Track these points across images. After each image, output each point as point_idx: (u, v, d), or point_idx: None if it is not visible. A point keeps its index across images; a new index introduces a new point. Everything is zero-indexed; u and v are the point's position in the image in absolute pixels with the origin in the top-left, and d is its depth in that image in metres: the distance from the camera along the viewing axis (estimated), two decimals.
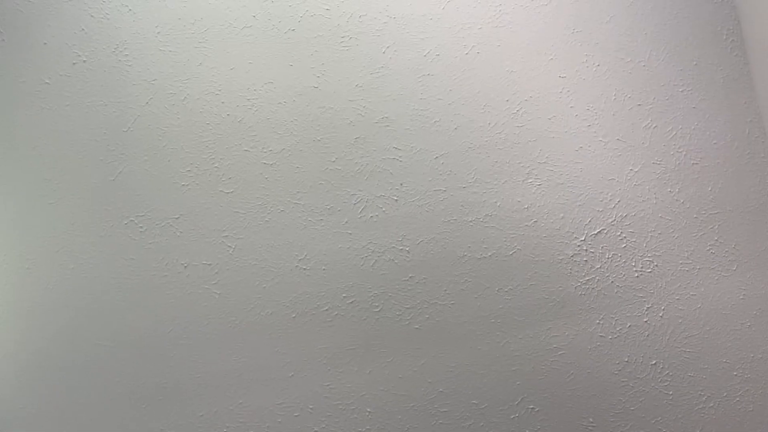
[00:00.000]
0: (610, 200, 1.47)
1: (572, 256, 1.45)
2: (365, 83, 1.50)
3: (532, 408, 1.43)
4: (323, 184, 1.47)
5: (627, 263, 1.45)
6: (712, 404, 1.41)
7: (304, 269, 1.44)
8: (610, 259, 1.45)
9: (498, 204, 1.47)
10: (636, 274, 1.45)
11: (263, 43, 1.49)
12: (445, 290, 1.45)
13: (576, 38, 1.52)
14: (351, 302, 1.44)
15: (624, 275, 1.45)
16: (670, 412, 1.41)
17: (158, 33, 1.46)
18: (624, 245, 1.46)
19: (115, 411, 1.37)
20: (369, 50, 1.51)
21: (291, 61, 1.49)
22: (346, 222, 1.46)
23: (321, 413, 1.41)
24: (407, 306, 1.45)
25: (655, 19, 1.52)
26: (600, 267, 1.45)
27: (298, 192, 1.46)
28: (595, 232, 1.46)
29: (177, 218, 1.43)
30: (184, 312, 1.40)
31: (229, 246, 1.43)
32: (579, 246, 1.46)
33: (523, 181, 1.48)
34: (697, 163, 1.48)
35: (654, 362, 1.42)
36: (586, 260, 1.45)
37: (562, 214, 1.47)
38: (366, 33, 1.51)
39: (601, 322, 1.44)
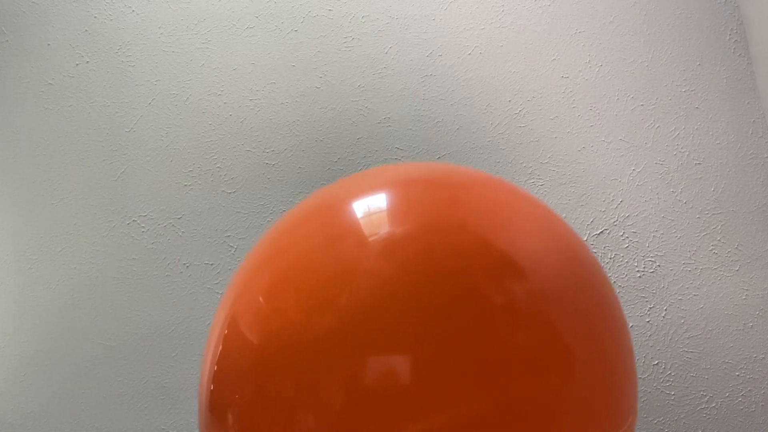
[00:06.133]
0: (613, 200, 1.47)
1: None
2: (367, 84, 1.50)
3: None
4: (325, 185, 1.47)
5: (629, 263, 1.45)
6: (714, 404, 1.40)
7: None
8: (612, 259, 1.45)
9: None
10: (638, 275, 1.44)
11: (266, 43, 1.49)
12: None
13: (579, 39, 1.51)
14: None
15: (626, 275, 1.44)
16: (672, 412, 1.40)
17: (161, 34, 1.47)
18: (626, 245, 1.45)
19: (115, 411, 1.38)
20: (371, 51, 1.51)
21: (293, 61, 1.49)
22: None
23: None
24: None
25: (659, 20, 1.52)
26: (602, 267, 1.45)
27: (300, 192, 1.46)
28: (598, 232, 1.46)
29: (179, 218, 1.43)
30: (185, 312, 1.41)
31: (231, 246, 1.43)
32: None
33: (525, 181, 1.47)
34: (699, 164, 1.48)
35: (656, 362, 1.42)
36: None
37: (564, 214, 1.46)
38: (368, 34, 1.51)
39: None
